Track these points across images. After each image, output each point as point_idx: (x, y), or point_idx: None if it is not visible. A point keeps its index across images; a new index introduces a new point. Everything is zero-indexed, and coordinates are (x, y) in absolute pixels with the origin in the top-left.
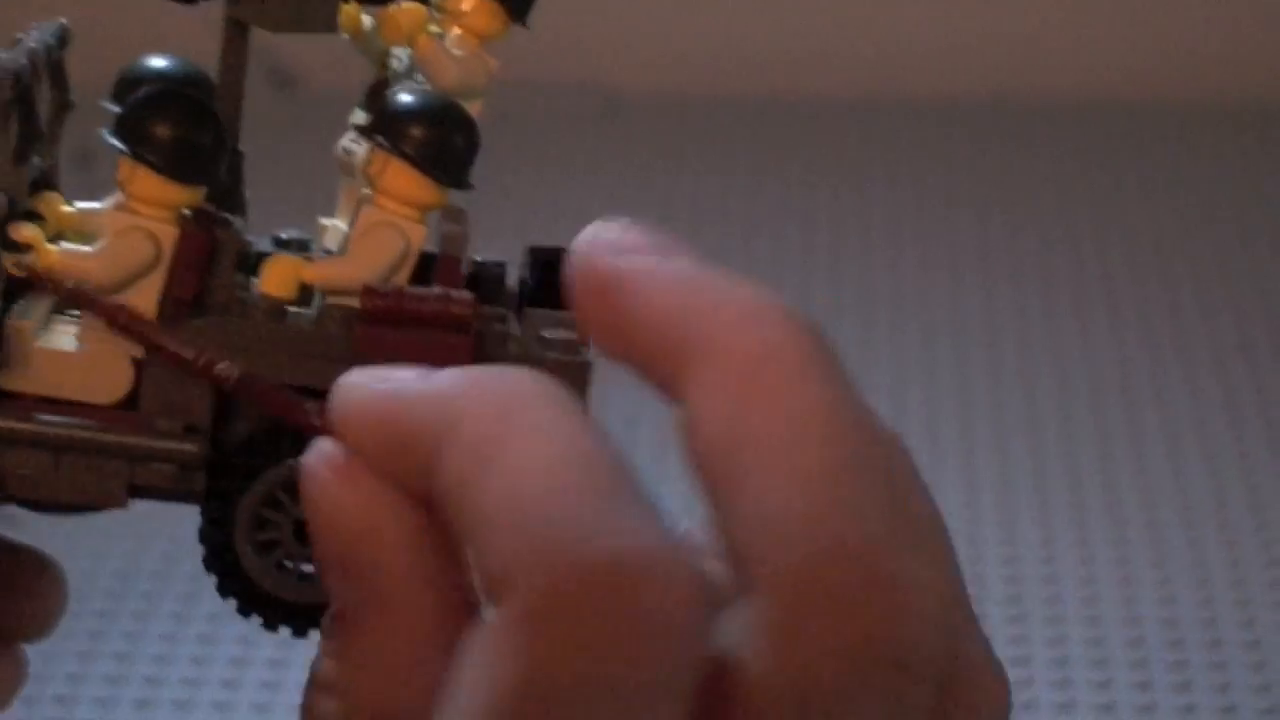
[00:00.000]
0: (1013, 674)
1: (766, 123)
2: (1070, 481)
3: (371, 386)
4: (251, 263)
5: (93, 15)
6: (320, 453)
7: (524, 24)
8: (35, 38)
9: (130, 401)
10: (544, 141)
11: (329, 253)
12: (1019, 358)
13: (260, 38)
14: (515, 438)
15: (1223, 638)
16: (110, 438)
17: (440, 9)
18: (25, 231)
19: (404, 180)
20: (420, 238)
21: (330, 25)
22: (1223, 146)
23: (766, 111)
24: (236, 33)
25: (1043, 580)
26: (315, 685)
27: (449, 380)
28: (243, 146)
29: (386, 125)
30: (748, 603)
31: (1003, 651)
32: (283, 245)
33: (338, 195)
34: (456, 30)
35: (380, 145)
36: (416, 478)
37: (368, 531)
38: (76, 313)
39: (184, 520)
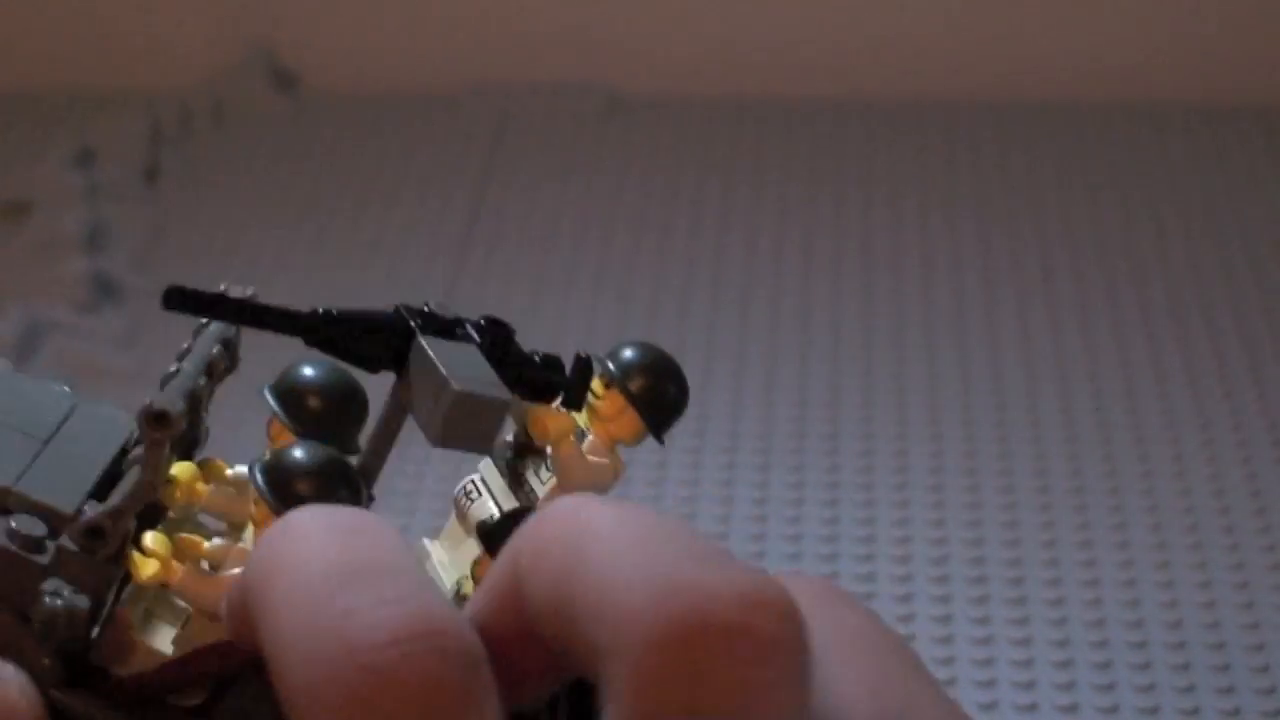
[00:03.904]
0: (1017, 676)
1: (766, 123)
2: (1074, 484)
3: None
4: None
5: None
6: None
7: (660, 441)
8: (218, 333)
9: (216, 697)
10: (545, 141)
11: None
12: (1021, 355)
13: (261, 36)
14: (279, 572)
15: (1226, 640)
16: None
17: (589, 406)
18: (153, 545)
19: None
20: None
21: (487, 450)
22: (1223, 146)
23: (766, 111)
24: (399, 409)
25: (1046, 583)
26: None
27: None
28: (243, 146)
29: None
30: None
31: (1007, 654)
32: None
33: (447, 524)
34: (596, 432)
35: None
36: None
37: None
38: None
39: None
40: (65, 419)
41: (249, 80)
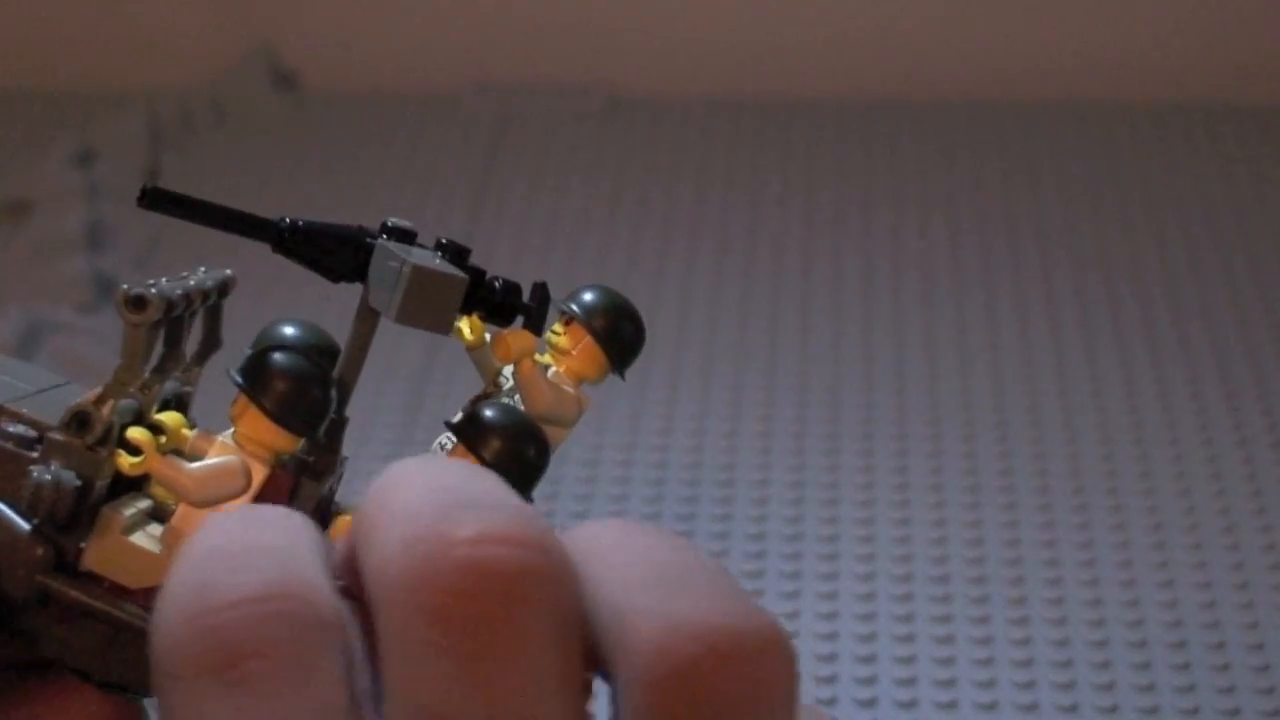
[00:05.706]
0: (1017, 676)
1: (766, 123)
2: (1074, 484)
3: None
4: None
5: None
6: None
7: (622, 376)
8: (199, 279)
9: None
10: (545, 141)
11: None
12: (1020, 355)
13: (261, 36)
14: (182, 553)
15: (1227, 640)
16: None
17: (551, 345)
18: (137, 434)
19: None
20: None
21: (445, 329)
22: (1223, 146)
23: (766, 111)
24: (368, 316)
25: (1046, 583)
26: None
27: None
28: (243, 146)
29: (472, 431)
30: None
31: (1007, 654)
32: None
33: None
34: (561, 367)
35: (465, 447)
36: None
37: None
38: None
39: None
40: (58, 386)
41: (249, 80)
